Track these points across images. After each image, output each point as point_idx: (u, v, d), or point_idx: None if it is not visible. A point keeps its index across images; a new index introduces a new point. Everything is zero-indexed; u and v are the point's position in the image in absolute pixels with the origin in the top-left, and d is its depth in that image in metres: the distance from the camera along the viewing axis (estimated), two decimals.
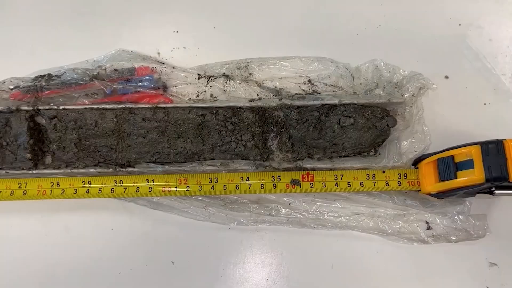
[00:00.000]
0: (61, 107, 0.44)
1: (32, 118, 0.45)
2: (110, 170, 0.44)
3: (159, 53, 0.50)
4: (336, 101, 0.44)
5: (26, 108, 0.44)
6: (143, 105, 0.44)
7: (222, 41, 0.51)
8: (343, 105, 0.44)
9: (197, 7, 0.51)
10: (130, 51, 0.48)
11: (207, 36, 0.51)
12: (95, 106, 0.44)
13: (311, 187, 0.43)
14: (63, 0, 0.52)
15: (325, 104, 0.44)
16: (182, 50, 0.50)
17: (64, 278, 0.44)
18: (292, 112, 0.44)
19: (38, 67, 0.48)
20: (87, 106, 0.44)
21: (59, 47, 0.50)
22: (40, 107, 0.44)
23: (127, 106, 0.44)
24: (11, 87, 0.46)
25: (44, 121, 0.45)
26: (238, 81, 0.47)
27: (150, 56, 0.49)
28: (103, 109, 0.44)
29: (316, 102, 0.44)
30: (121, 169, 0.44)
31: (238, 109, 0.44)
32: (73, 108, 0.44)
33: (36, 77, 0.46)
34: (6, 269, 0.45)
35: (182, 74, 0.47)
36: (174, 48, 0.50)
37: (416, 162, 0.43)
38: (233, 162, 0.44)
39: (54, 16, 0.51)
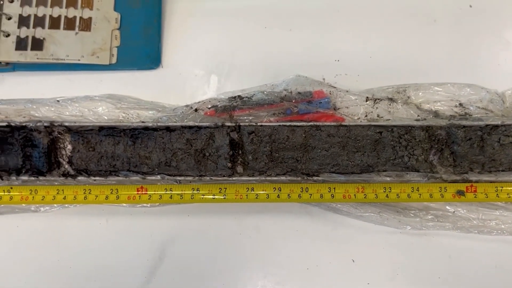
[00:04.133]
0: (258, 124, 0.51)
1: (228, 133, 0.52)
2: (299, 178, 0.51)
3: (324, 79, 0.57)
4: (499, 122, 0.50)
5: (229, 124, 0.51)
6: (328, 123, 0.51)
7: (378, 69, 0.58)
8: (504, 125, 0.50)
9: (354, 40, 0.59)
10: (305, 76, 0.56)
11: (364, 64, 0.58)
12: (288, 123, 0.51)
13: (474, 197, 0.50)
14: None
15: (489, 125, 0.50)
16: (344, 76, 0.58)
17: (258, 273, 0.51)
18: (458, 131, 0.51)
19: (222, 90, 0.56)
20: (281, 123, 0.51)
21: (242, 72, 0.58)
22: (241, 124, 0.51)
23: (315, 123, 0.51)
24: (209, 106, 0.54)
25: (236, 135, 0.52)
26: (400, 103, 0.54)
27: (322, 81, 0.56)
28: (294, 126, 0.51)
29: (481, 123, 0.50)
30: (308, 177, 0.51)
31: (410, 128, 0.51)
32: (269, 125, 0.51)
33: (230, 97, 0.54)
34: (203, 267, 0.51)
35: (353, 97, 0.54)
36: (337, 75, 0.57)
37: None
38: (407, 174, 0.51)
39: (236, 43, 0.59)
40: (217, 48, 0.59)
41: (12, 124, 0.52)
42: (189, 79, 0.58)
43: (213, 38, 0.59)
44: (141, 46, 0.58)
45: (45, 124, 0.52)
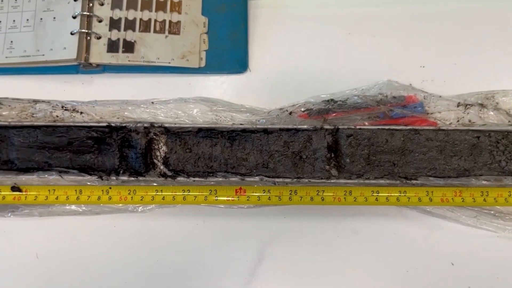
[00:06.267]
0: (357, 127, 0.52)
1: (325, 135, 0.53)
2: (397, 182, 0.51)
3: (410, 84, 0.58)
4: None
5: (328, 127, 0.52)
6: (427, 127, 0.52)
7: (464, 75, 0.59)
8: None
9: (439, 47, 0.60)
10: (396, 81, 0.56)
11: (450, 71, 0.59)
12: (387, 127, 0.52)
13: None
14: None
15: None
16: (430, 82, 0.58)
17: (357, 275, 0.51)
18: None
19: (308, 94, 0.57)
20: (379, 127, 0.52)
21: (326, 77, 0.58)
22: (339, 127, 0.52)
23: (413, 127, 0.52)
24: (303, 109, 0.55)
25: (330, 138, 0.53)
26: (490, 109, 0.55)
27: (412, 86, 0.57)
28: (393, 129, 0.52)
29: None
30: (407, 181, 0.51)
31: (507, 133, 0.52)
32: (368, 128, 0.52)
33: (324, 101, 0.55)
34: (302, 269, 0.52)
35: (445, 102, 0.55)
36: (423, 81, 0.58)
37: None
38: (505, 178, 0.51)
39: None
40: (302, 53, 0.60)
41: (113, 124, 0.52)
42: (276, 83, 0.59)
43: (298, 43, 0.60)
44: (228, 50, 0.59)
45: (145, 125, 0.52)
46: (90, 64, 0.57)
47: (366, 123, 0.54)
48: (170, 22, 0.59)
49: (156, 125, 0.52)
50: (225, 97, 0.57)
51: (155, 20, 0.59)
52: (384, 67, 0.59)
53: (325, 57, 0.60)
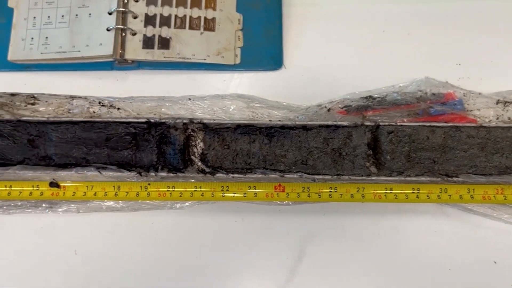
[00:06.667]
0: (398, 124, 0.52)
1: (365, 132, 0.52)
2: (439, 179, 0.51)
3: (447, 82, 0.58)
4: None
5: (369, 123, 0.52)
6: (468, 124, 0.51)
7: (501, 73, 0.58)
8: None
9: (474, 44, 0.59)
10: (433, 78, 0.56)
11: (486, 68, 0.59)
12: (428, 124, 0.51)
13: None
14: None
15: None
16: (467, 80, 0.58)
17: (399, 273, 0.51)
18: None
19: (343, 91, 0.57)
20: (420, 124, 0.51)
21: (361, 74, 0.58)
22: (380, 123, 0.52)
23: (454, 124, 0.51)
24: (341, 106, 0.54)
25: (370, 135, 0.52)
26: None
27: (450, 83, 0.56)
28: (434, 126, 0.51)
29: None
30: (448, 178, 0.51)
31: None
32: (408, 125, 0.51)
33: (362, 97, 0.55)
34: (343, 267, 0.51)
35: (485, 100, 0.55)
36: (459, 78, 0.58)
37: None
38: None
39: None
40: (336, 50, 0.60)
41: (152, 120, 0.52)
42: (311, 80, 0.58)
43: (331, 40, 0.60)
44: (263, 47, 0.59)
45: (184, 121, 0.52)
46: (125, 60, 0.57)
47: (405, 120, 0.53)
48: (205, 18, 0.59)
49: (195, 121, 0.52)
50: (260, 94, 0.57)
51: (190, 17, 0.59)
52: (419, 65, 0.59)
53: (359, 55, 0.60)
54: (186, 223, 0.52)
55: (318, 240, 0.52)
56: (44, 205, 0.51)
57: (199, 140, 0.53)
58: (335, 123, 0.52)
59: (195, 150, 0.53)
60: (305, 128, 0.52)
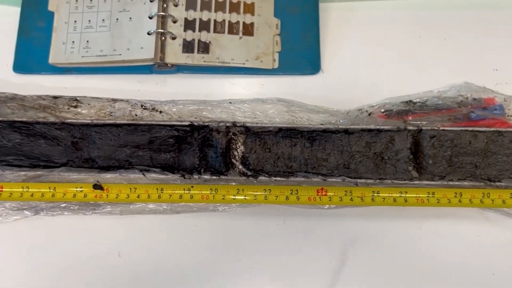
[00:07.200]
0: (441, 128, 0.52)
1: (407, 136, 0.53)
2: (481, 183, 0.51)
3: (485, 87, 0.58)
4: None
5: (411, 128, 0.52)
6: (510, 129, 0.52)
7: None
8: None
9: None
10: (473, 83, 0.56)
11: None
12: (470, 129, 0.52)
13: None
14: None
15: None
16: (504, 86, 0.58)
17: (441, 279, 0.51)
18: None
19: (381, 96, 0.57)
20: (462, 128, 0.52)
21: (398, 79, 0.58)
22: (422, 128, 0.52)
23: (497, 129, 0.51)
24: (382, 110, 0.55)
25: (411, 139, 0.52)
26: None
27: (491, 89, 0.56)
28: (477, 131, 0.52)
29: None
30: (490, 183, 0.51)
31: None
32: (451, 130, 0.52)
33: (403, 102, 0.55)
34: (386, 271, 0.51)
35: None
36: (497, 84, 0.58)
37: None
38: None
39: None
40: (373, 55, 0.60)
41: (195, 123, 0.52)
42: (349, 84, 0.59)
43: (368, 45, 0.60)
44: (301, 51, 0.59)
45: (227, 124, 0.52)
46: (165, 64, 0.58)
47: (446, 125, 0.54)
48: (244, 23, 0.59)
49: (237, 124, 0.52)
50: (298, 98, 0.57)
51: (229, 21, 0.59)
52: (455, 70, 0.59)
53: (395, 59, 0.60)
54: (228, 226, 0.52)
55: (361, 244, 0.52)
56: (87, 207, 0.52)
57: (239, 143, 0.53)
58: (377, 127, 0.52)
59: (235, 153, 0.53)
60: (347, 132, 0.53)
